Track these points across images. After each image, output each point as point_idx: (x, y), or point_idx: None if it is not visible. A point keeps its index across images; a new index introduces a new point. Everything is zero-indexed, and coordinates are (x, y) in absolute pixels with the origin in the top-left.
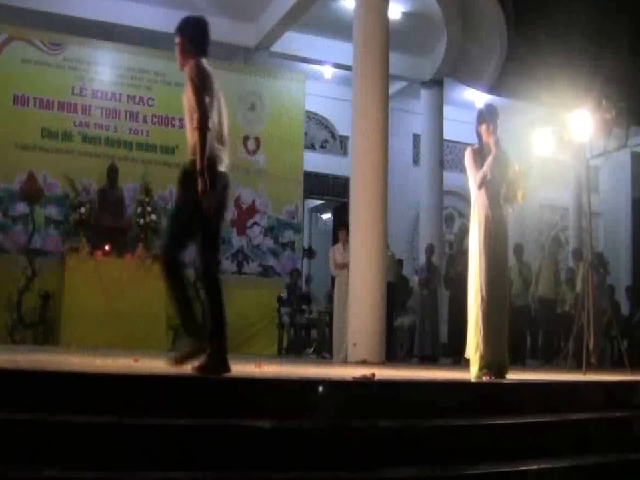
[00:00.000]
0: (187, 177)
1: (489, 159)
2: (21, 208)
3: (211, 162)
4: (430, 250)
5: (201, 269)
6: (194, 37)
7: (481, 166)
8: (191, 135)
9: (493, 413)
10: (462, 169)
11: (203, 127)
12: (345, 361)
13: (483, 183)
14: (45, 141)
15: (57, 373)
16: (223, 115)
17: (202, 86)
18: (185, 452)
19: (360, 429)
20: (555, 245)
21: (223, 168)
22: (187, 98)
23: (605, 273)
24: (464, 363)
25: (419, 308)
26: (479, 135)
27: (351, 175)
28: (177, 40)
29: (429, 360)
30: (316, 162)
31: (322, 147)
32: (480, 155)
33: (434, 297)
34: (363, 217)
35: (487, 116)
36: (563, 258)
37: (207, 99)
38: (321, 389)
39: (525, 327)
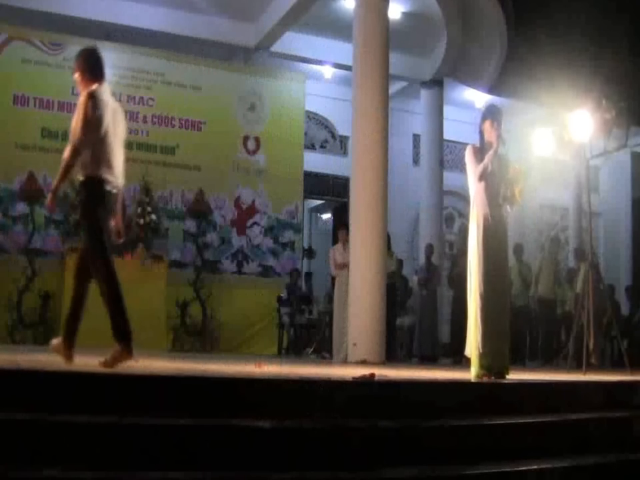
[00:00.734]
0: (80, 193)
1: (490, 152)
2: (21, 208)
3: (98, 183)
4: (429, 250)
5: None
6: (87, 67)
7: (482, 162)
8: (80, 156)
9: (493, 413)
10: (462, 169)
11: (69, 160)
12: (345, 361)
13: (484, 175)
14: (45, 141)
15: (57, 373)
16: (116, 135)
17: (87, 121)
18: (185, 452)
19: (360, 429)
20: (554, 245)
21: (109, 188)
22: (74, 122)
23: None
24: (464, 363)
25: (418, 308)
26: (481, 133)
27: (351, 175)
28: (76, 74)
29: (428, 360)
30: (316, 162)
31: (322, 147)
32: (481, 152)
33: (433, 297)
34: (363, 216)
35: (490, 114)
36: (563, 258)
37: (89, 136)
38: (321, 389)
39: (525, 326)
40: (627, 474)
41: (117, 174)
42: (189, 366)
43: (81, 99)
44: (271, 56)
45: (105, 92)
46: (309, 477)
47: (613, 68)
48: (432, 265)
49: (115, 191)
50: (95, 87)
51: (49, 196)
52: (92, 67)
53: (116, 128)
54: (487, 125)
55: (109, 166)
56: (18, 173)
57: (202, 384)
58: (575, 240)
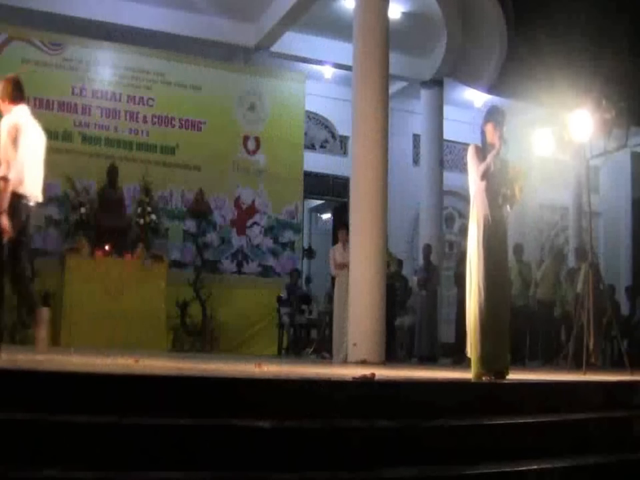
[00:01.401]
0: None
1: (493, 152)
2: None
3: (15, 199)
4: (427, 250)
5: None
6: (8, 94)
7: (484, 161)
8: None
9: (493, 413)
10: (462, 169)
11: (5, 179)
12: (345, 361)
13: (486, 175)
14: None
15: (57, 373)
16: (35, 151)
17: (11, 141)
18: (185, 452)
19: (360, 429)
20: (558, 261)
21: (25, 201)
22: (2, 141)
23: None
24: (465, 363)
25: (417, 308)
26: (483, 133)
27: (351, 175)
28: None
29: (428, 360)
30: (316, 162)
31: (322, 147)
32: (483, 152)
33: (432, 297)
34: (363, 216)
35: (493, 117)
36: (565, 268)
37: (14, 152)
38: (321, 389)
39: (525, 326)
40: (627, 474)
41: (35, 188)
42: (189, 366)
43: (5, 125)
44: (271, 56)
45: (25, 113)
46: (308, 476)
47: (613, 68)
48: (431, 265)
49: (31, 203)
50: (16, 108)
51: (2, 219)
52: (12, 94)
53: (35, 145)
54: (490, 127)
55: (25, 181)
56: None
57: (202, 384)
58: (574, 240)
